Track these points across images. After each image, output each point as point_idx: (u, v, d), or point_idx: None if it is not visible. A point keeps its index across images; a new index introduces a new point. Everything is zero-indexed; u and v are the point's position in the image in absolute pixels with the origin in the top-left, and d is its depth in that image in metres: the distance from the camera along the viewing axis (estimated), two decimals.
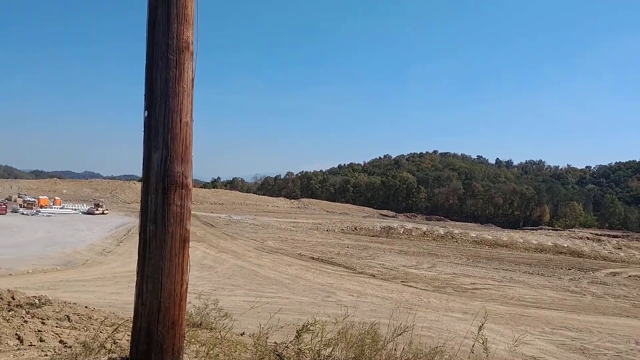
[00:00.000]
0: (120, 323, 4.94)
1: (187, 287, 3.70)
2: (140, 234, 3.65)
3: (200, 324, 6.50)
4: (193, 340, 4.84)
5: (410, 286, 32.37)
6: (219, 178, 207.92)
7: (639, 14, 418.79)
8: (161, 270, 3.55)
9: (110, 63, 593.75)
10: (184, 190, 3.65)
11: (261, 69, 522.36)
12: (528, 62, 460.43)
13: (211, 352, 4.43)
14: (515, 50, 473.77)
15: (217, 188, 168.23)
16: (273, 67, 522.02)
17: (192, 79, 3.78)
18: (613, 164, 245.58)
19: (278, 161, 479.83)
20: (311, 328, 4.83)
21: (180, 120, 3.66)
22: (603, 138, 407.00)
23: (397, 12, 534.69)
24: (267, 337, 4.95)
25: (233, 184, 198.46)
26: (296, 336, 4.89)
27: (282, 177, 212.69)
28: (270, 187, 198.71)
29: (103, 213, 69.52)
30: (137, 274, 3.64)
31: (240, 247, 45.17)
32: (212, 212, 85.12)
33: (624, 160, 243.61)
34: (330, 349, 4.74)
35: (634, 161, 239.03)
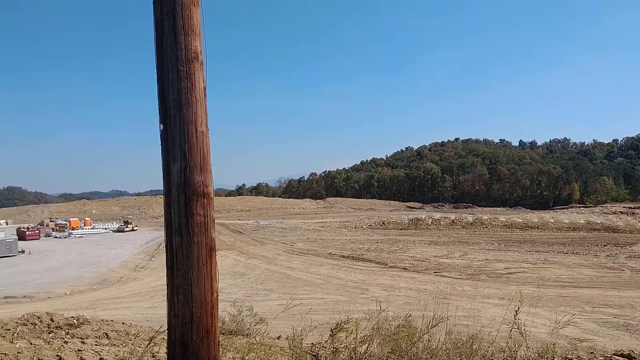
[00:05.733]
0: (153, 336, 4.98)
1: (217, 296, 3.71)
2: (166, 246, 3.68)
3: (236, 331, 6.53)
4: (229, 347, 4.86)
5: (444, 276, 32.14)
6: (243, 185, 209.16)
7: None
8: (190, 280, 3.56)
9: (119, 77, 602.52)
10: (205, 200, 3.66)
11: (260, 73, 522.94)
12: (536, 42, 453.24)
13: (246, 357, 4.45)
14: (522, 32, 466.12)
15: (242, 195, 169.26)
16: (272, 69, 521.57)
17: (204, 88, 3.78)
18: None
19: (300, 162, 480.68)
20: (345, 326, 4.81)
21: (196, 130, 3.67)
22: (625, 110, 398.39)
23: (390, 7, 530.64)
24: (302, 339, 4.94)
25: (258, 190, 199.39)
26: (331, 335, 4.87)
27: (305, 179, 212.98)
28: (295, 189, 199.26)
29: (133, 230, 70.49)
30: (167, 286, 3.66)
31: (270, 252, 45.33)
32: (239, 220, 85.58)
33: None
34: (366, 345, 4.72)
35: None
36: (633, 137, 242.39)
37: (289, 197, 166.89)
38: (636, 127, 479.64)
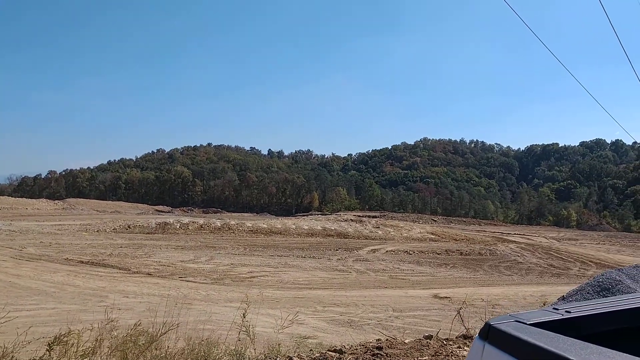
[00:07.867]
0: None
1: None
2: None
3: None
4: None
5: (189, 281, 31.91)
6: None
7: (374, 16, 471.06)
8: None
9: None
10: None
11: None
12: (292, 62, 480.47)
13: None
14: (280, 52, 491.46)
15: None
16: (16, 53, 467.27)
17: None
18: (370, 151, 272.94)
19: (37, 159, 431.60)
20: (65, 339, 4.35)
21: None
22: (360, 128, 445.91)
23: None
24: (12, 357, 4.32)
25: None
26: (47, 350, 4.36)
27: (43, 177, 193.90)
28: (30, 188, 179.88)
29: None
30: None
31: None
32: None
33: (378, 148, 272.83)
34: (88, 359, 4.32)
35: (386, 148, 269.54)
36: (364, 153, 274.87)
37: (21, 197, 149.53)
38: (367, 144, 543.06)
